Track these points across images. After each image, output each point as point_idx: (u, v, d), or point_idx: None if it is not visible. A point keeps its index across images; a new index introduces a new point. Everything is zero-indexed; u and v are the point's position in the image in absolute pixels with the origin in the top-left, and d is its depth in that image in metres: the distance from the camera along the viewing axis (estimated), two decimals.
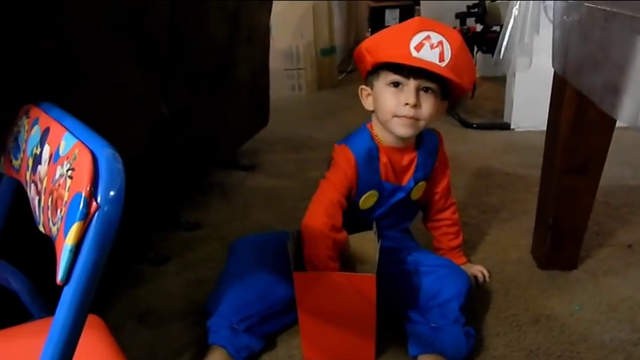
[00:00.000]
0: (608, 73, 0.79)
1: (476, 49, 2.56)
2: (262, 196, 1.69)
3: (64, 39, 0.89)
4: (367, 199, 1.05)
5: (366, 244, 1.00)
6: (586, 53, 0.91)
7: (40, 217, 0.55)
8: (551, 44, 1.11)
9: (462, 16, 2.60)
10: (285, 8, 2.69)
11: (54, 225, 0.49)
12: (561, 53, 1.05)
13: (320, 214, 0.98)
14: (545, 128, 1.21)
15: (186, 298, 1.18)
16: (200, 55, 1.42)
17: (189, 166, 1.47)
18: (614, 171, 1.71)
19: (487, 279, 1.18)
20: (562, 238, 1.21)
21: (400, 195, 1.06)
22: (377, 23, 3.82)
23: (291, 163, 1.97)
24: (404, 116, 0.96)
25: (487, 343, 1.02)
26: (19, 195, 0.69)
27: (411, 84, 0.95)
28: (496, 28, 2.42)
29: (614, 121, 1.06)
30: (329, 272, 0.92)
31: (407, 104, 0.95)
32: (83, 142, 0.49)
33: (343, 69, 3.34)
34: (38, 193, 0.56)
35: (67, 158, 0.49)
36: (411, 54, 0.93)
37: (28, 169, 0.60)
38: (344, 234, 1.01)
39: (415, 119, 0.97)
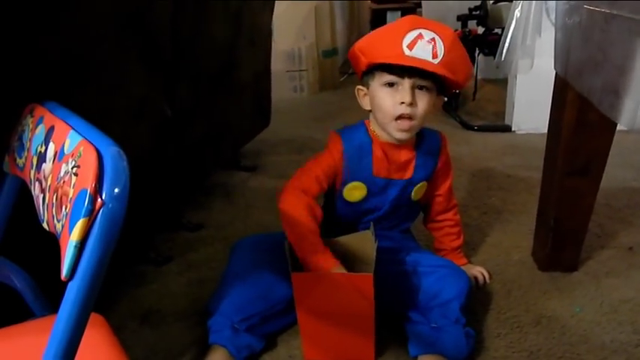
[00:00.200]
0: (608, 75, 0.79)
1: (477, 51, 2.57)
2: (264, 196, 1.70)
3: (67, 40, 0.89)
4: (353, 191, 1.05)
5: (364, 244, 1.00)
6: (586, 55, 0.92)
7: (44, 215, 0.55)
8: (552, 46, 1.12)
9: (463, 19, 2.60)
10: (287, 10, 2.70)
11: (58, 222, 0.50)
12: (563, 55, 1.06)
13: (297, 191, 1.01)
14: (546, 130, 1.22)
15: (188, 298, 1.18)
16: (203, 57, 1.43)
17: (192, 167, 1.48)
18: (616, 173, 1.71)
19: (488, 280, 1.19)
20: (563, 239, 1.21)
21: (393, 192, 1.06)
22: (378, 25, 3.81)
23: (293, 164, 1.95)
24: (400, 116, 0.97)
25: (488, 344, 1.02)
26: (22, 193, 0.69)
27: (406, 83, 0.96)
28: (498, 30, 2.43)
29: (616, 123, 1.06)
30: (327, 272, 0.92)
31: (402, 103, 0.96)
32: (88, 140, 0.49)
33: (345, 70, 3.35)
34: (43, 190, 0.56)
35: (72, 156, 0.50)
36: (403, 52, 0.93)
37: (32, 168, 0.60)
38: (319, 209, 1.02)
39: (411, 118, 0.97)
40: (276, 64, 2.26)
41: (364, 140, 1.04)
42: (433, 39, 0.93)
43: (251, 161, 1.94)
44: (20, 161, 0.65)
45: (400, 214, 1.11)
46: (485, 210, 1.56)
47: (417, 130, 1.02)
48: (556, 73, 1.13)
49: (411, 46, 0.93)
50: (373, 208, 1.08)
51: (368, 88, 1.02)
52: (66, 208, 0.48)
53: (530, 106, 2.16)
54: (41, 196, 0.56)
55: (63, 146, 0.53)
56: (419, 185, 1.08)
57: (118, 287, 1.20)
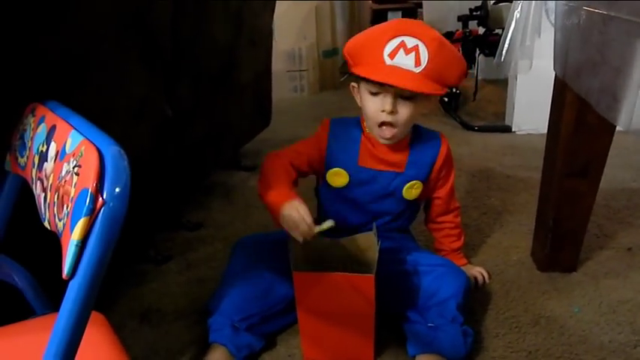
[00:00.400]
0: (605, 76, 0.80)
1: (478, 52, 2.57)
2: None
3: (67, 39, 0.89)
4: (335, 177, 1.06)
5: (366, 244, 1.00)
6: (584, 56, 0.92)
7: (45, 214, 0.56)
8: (552, 47, 1.12)
9: (464, 19, 2.61)
10: (287, 10, 2.71)
11: (60, 221, 0.50)
12: (562, 56, 1.06)
13: (274, 156, 1.05)
14: (546, 131, 1.22)
15: (187, 297, 1.19)
16: (203, 57, 1.43)
17: (192, 166, 1.48)
18: (615, 174, 1.72)
19: (487, 280, 1.19)
20: (562, 240, 1.21)
21: (380, 184, 1.06)
22: None
23: None
24: (383, 123, 0.98)
25: (486, 344, 1.02)
26: (23, 192, 0.69)
27: (388, 93, 0.96)
28: (498, 30, 2.43)
29: (615, 124, 1.06)
30: (329, 273, 0.92)
31: (384, 111, 0.97)
32: (89, 140, 0.50)
33: (345, 70, 3.34)
34: (44, 189, 0.56)
35: (74, 155, 0.50)
36: (384, 62, 0.93)
37: (34, 167, 0.60)
38: (294, 172, 1.04)
39: (393, 125, 0.98)
40: (277, 64, 2.26)
41: (354, 130, 1.06)
42: (416, 46, 0.93)
43: (251, 161, 1.94)
44: (22, 160, 0.65)
45: (392, 211, 1.10)
46: (484, 210, 1.56)
47: (401, 135, 1.02)
48: (555, 74, 1.13)
49: (392, 55, 0.93)
50: (358, 198, 1.08)
51: (359, 88, 1.03)
52: (67, 207, 0.48)
53: (531, 107, 2.16)
54: (42, 195, 0.57)
55: (64, 146, 0.53)
56: (411, 183, 1.07)
57: (117, 286, 1.20)
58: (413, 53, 0.93)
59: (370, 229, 1.00)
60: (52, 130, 0.58)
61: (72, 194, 0.47)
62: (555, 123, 1.16)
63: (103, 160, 0.46)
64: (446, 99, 2.47)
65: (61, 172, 0.52)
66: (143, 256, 1.32)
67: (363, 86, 1.00)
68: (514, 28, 1.35)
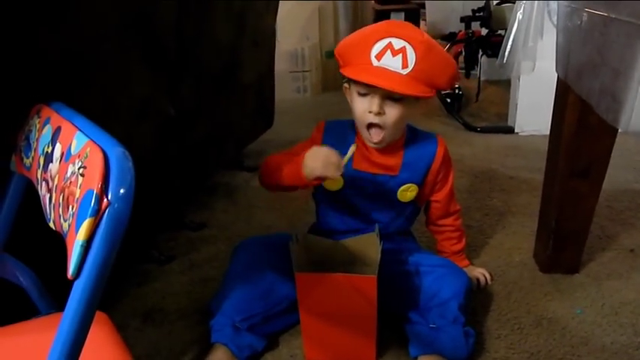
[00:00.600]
0: (605, 78, 0.80)
1: (481, 52, 2.57)
2: (267, 197, 1.70)
3: (70, 39, 0.90)
4: (329, 180, 1.04)
5: (368, 246, 1.00)
6: (585, 58, 0.92)
7: (50, 214, 0.56)
8: (554, 48, 1.12)
9: (466, 20, 2.61)
10: (290, 10, 2.71)
11: (65, 221, 0.50)
12: (564, 57, 1.06)
13: (271, 156, 1.07)
14: (548, 132, 1.22)
15: (190, 297, 1.19)
16: (206, 57, 1.43)
17: (195, 166, 1.49)
18: (618, 175, 1.72)
19: (489, 282, 1.19)
20: (564, 241, 1.21)
21: (375, 188, 1.05)
22: None
23: None
24: (370, 124, 0.98)
25: (488, 345, 1.02)
26: (28, 193, 0.70)
27: (376, 94, 0.96)
28: (501, 31, 2.43)
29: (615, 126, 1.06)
30: (331, 273, 0.93)
31: (371, 112, 0.97)
32: (94, 141, 0.50)
33: None
34: (49, 190, 0.57)
35: (79, 156, 0.50)
36: (371, 63, 0.94)
37: (39, 167, 0.61)
38: None
39: (381, 127, 0.98)
40: (280, 65, 2.27)
41: (348, 133, 1.06)
42: (403, 48, 0.93)
43: (254, 161, 1.94)
44: (27, 161, 0.66)
45: (389, 214, 1.10)
46: (486, 211, 1.57)
47: (390, 139, 1.01)
48: (558, 76, 1.13)
49: (379, 57, 0.93)
50: (354, 201, 1.08)
51: (350, 89, 1.03)
52: (72, 208, 0.48)
53: (533, 108, 2.16)
54: (48, 195, 0.57)
55: (70, 147, 0.54)
56: (405, 186, 1.06)
57: (121, 286, 1.21)
58: (400, 55, 0.93)
59: (371, 231, 1.00)
60: (57, 131, 0.59)
61: (77, 195, 0.48)
62: (558, 124, 1.17)
63: (107, 162, 0.46)
64: (448, 100, 2.47)
65: (66, 173, 0.52)
66: (146, 256, 1.33)
67: (353, 87, 1.00)
68: (517, 29, 1.35)
